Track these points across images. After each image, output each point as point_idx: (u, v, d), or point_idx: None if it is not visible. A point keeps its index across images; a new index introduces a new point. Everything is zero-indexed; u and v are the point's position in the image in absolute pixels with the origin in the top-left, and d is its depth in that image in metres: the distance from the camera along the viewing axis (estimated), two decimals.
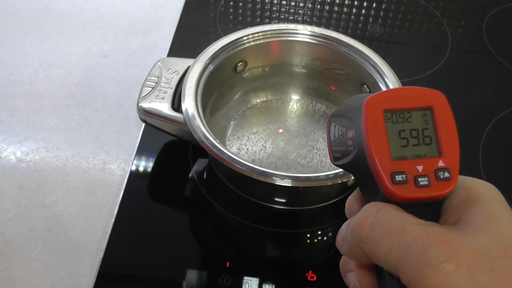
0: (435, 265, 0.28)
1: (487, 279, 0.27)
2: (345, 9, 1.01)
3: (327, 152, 0.69)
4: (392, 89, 0.37)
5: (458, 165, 0.33)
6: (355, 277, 0.35)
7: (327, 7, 1.01)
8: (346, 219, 0.37)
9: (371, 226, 0.32)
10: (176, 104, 0.66)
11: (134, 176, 0.71)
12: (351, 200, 0.39)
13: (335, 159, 0.39)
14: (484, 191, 0.33)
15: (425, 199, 0.33)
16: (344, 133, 0.37)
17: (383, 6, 1.02)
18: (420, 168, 0.33)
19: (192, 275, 0.62)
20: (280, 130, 0.73)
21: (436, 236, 0.29)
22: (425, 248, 0.29)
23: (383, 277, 0.33)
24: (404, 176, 0.32)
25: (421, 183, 0.32)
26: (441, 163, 0.33)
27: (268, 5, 1.00)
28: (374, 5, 1.02)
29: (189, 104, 0.63)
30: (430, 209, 0.33)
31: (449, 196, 0.33)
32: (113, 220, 0.66)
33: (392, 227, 0.31)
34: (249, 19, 0.97)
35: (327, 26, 0.97)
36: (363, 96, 0.35)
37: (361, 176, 0.36)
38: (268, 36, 0.74)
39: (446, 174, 0.33)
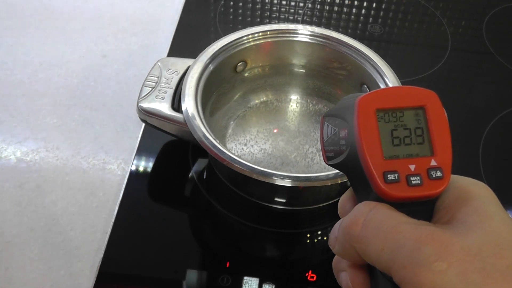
0: (427, 264, 0.28)
1: (479, 278, 0.27)
2: (345, 9, 1.01)
3: None
4: (385, 89, 0.37)
5: (451, 164, 0.33)
6: (348, 276, 0.35)
7: (327, 7, 1.01)
8: None
9: (363, 225, 0.32)
10: (176, 104, 0.66)
11: (134, 176, 0.71)
12: (344, 200, 0.39)
13: (328, 159, 0.39)
14: (476, 190, 0.33)
15: (417, 198, 0.33)
16: (337, 133, 0.37)
17: (383, 6, 1.02)
18: (412, 167, 0.33)
19: (192, 275, 0.62)
20: (275, 130, 0.73)
21: (428, 235, 0.29)
22: (417, 247, 0.29)
23: (375, 276, 0.33)
24: (396, 175, 0.32)
25: (413, 182, 0.32)
26: (433, 162, 0.33)
27: (268, 5, 1.00)
28: (374, 5, 1.02)
29: (189, 104, 0.63)
30: (422, 208, 0.33)
31: (441, 195, 0.33)
32: (113, 220, 0.66)
33: (384, 226, 0.31)
34: (249, 19, 0.97)
35: (327, 26, 0.97)
36: (356, 95, 0.35)
37: (354, 175, 0.36)
38: (268, 36, 0.74)
39: (439, 173, 0.33)
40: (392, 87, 0.41)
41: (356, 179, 0.35)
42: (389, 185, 0.32)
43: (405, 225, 0.30)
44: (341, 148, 0.36)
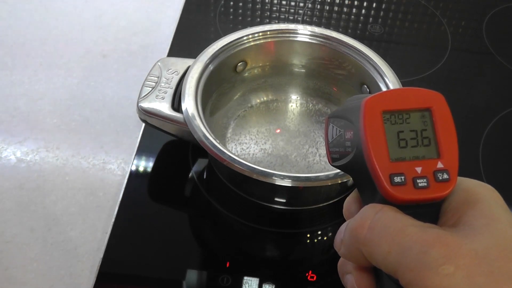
0: (434, 267, 0.28)
1: (486, 281, 0.27)
2: (345, 9, 1.01)
3: None
4: (391, 90, 0.37)
5: (457, 167, 0.33)
6: (353, 279, 0.35)
7: (327, 7, 1.01)
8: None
9: (370, 227, 0.32)
10: (176, 104, 0.66)
11: (134, 176, 0.71)
12: (349, 202, 0.38)
13: (333, 160, 0.39)
14: (483, 192, 0.33)
15: (424, 200, 0.32)
16: (342, 134, 0.36)
17: (383, 6, 1.02)
18: (418, 169, 0.33)
19: (192, 275, 0.62)
20: (277, 131, 0.73)
21: (435, 238, 0.29)
22: (424, 250, 0.29)
23: (381, 279, 0.33)
24: (402, 177, 0.32)
25: (419, 184, 0.32)
26: (440, 165, 0.33)
27: (268, 5, 1.00)
28: (374, 5, 1.02)
29: (189, 104, 0.63)
30: (428, 211, 0.33)
31: (448, 197, 0.33)
32: (113, 220, 0.66)
33: (390, 229, 0.31)
34: (249, 19, 0.97)
35: (327, 26, 0.97)
36: (362, 97, 0.35)
37: (359, 177, 0.35)
38: (268, 36, 0.74)
39: (445, 176, 0.32)
40: (398, 89, 0.41)
41: (362, 180, 0.35)
42: (395, 188, 0.32)
43: (412, 228, 0.30)
44: (346, 150, 0.36)
